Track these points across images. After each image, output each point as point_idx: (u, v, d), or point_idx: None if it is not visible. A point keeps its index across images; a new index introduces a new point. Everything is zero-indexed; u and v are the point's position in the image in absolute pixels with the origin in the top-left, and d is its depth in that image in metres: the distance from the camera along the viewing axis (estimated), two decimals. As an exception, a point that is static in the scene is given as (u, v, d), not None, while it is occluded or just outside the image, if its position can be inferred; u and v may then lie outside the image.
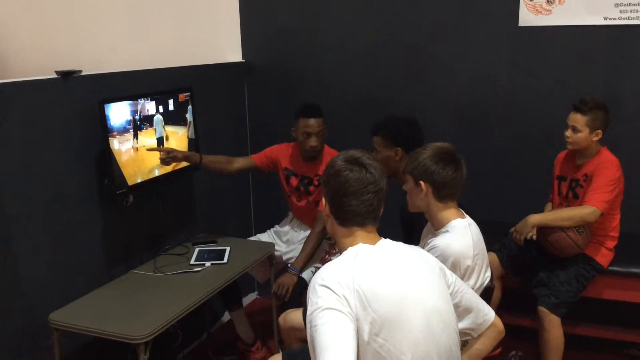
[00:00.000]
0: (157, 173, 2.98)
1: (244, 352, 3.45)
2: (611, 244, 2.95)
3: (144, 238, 3.07)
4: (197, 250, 3.13)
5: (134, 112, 2.82)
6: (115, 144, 2.71)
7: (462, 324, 1.73)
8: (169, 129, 3.06)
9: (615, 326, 3.13)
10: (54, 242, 2.59)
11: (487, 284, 2.14)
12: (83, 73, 2.70)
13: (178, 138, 3.15)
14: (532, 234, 2.94)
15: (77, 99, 2.66)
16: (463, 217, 2.14)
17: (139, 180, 2.85)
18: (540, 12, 3.35)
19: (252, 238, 3.49)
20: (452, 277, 1.70)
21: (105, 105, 2.64)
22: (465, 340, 1.80)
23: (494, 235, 3.05)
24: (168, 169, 3.05)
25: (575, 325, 3.10)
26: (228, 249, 3.13)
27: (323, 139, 3.16)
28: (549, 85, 3.39)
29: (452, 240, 2.03)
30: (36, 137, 2.49)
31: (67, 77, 2.61)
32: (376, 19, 3.66)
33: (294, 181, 3.30)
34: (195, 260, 2.99)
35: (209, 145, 3.54)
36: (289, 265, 3.15)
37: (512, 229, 2.95)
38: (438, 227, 2.13)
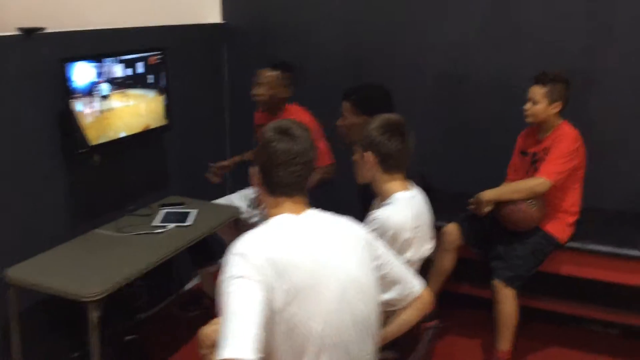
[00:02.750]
0: (122, 135, 3.00)
1: (210, 308, 3.52)
2: (571, 219, 2.96)
3: (111, 198, 3.11)
4: (163, 212, 3.16)
5: (99, 74, 2.82)
6: (79, 105, 2.72)
7: (389, 295, 1.75)
8: (137, 92, 3.07)
9: (573, 301, 3.16)
10: (14, 197, 2.62)
11: (428, 255, 2.16)
12: (48, 30, 2.69)
13: (148, 101, 3.15)
14: (489, 209, 2.95)
15: (40, 57, 2.65)
16: (408, 189, 2.15)
17: (102, 141, 2.87)
18: (519, -22, 3.30)
19: (222, 199, 3.52)
20: (382, 249, 1.73)
21: (68, 65, 2.64)
22: (394, 311, 1.83)
23: (461, 205, 3.08)
24: (135, 130, 3.08)
25: (534, 299, 3.14)
26: (195, 212, 3.16)
27: (270, 91, 3.24)
28: (524, 55, 3.37)
29: (392, 213, 2.04)
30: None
31: (30, 34, 2.60)
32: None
33: None
34: (159, 222, 3.03)
35: (184, 110, 3.55)
36: None
37: (470, 202, 2.97)
38: (383, 198, 2.15)
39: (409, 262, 2.06)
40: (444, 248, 3.08)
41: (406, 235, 2.04)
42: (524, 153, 3.07)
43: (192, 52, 3.71)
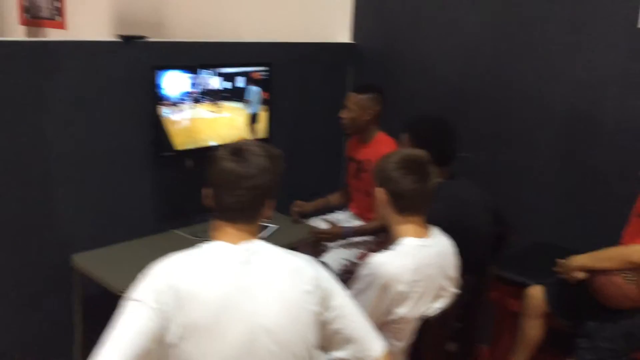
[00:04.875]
0: (212, 144, 3.10)
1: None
2: (685, 304, 2.37)
3: (196, 202, 3.18)
4: (245, 224, 3.19)
5: (193, 84, 2.95)
6: (167, 111, 2.86)
7: (341, 354, 1.56)
8: (234, 105, 3.15)
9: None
10: (100, 189, 2.82)
11: (433, 316, 1.86)
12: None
13: (246, 114, 3.22)
14: (582, 276, 2.48)
15: (137, 63, 2.83)
16: (423, 235, 1.89)
17: (188, 147, 2.99)
18: (669, 13, 2.76)
19: (312, 219, 3.45)
20: (340, 299, 1.53)
21: (159, 72, 2.80)
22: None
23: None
24: (228, 141, 3.15)
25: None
26: (274, 227, 3.14)
27: (352, 114, 3.10)
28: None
29: (389, 260, 1.81)
30: (95, 93, 2.73)
31: (128, 41, 2.81)
32: (485, 10, 3.35)
33: (352, 167, 3.22)
34: (235, 232, 3.05)
35: (300, 126, 3.59)
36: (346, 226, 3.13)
37: (558, 266, 2.54)
38: (394, 241, 1.92)
39: (403, 320, 1.82)
40: (526, 313, 2.69)
41: (400, 287, 1.79)
42: (642, 216, 2.54)
43: (316, 70, 3.71)
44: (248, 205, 1.52)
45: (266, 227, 3.13)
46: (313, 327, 1.48)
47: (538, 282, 2.69)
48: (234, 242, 1.50)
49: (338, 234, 3.04)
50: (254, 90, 3.22)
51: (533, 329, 2.67)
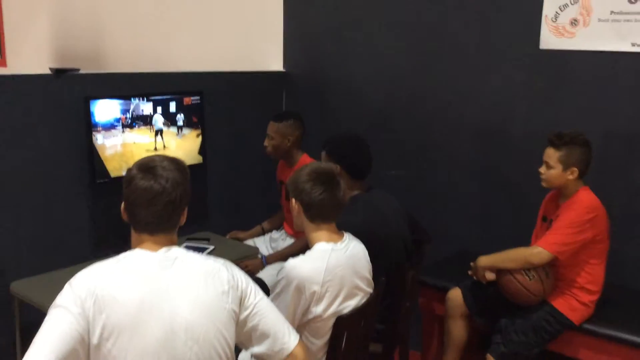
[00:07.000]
0: (148, 169, 3.22)
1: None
2: (586, 297, 2.58)
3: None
4: (182, 246, 3.28)
5: (124, 111, 3.07)
6: (99, 138, 2.98)
7: (259, 349, 1.70)
8: (169, 129, 3.29)
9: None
10: (39, 217, 2.91)
11: (347, 313, 2.02)
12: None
13: (178, 139, 3.37)
14: (490, 276, 2.69)
15: (70, 94, 2.96)
16: (335, 240, 2.06)
17: (124, 174, 3.10)
18: (563, 35, 3.05)
19: (250, 240, 3.58)
20: (255, 298, 1.67)
21: (91, 102, 2.92)
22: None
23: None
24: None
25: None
26: (211, 248, 3.25)
27: (275, 143, 3.25)
28: (570, 115, 3.07)
29: (302, 263, 1.97)
30: (29, 124, 2.84)
31: (60, 73, 2.93)
32: (403, 36, 3.61)
33: (282, 190, 3.37)
34: (172, 255, 3.16)
35: (236, 152, 3.78)
36: (263, 255, 3.26)
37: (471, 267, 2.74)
38: (310, 248, 2.08)
39: (320, 318, 1.97)
40: (449, 315, 2.88)
41: (314, 288, 1.94)
42: (544, 219, 2.77)
43: (251, 97, 3.88)
44: (166, 219, 1.64)
45: (204, 249, 3.25)
46: (230, 325, 1.61)
47: (458, 286, 2.88)
48: (153, 250, 1.63)
49: (258, 266, 3.19)
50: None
51: (457, 330, 2.84)
